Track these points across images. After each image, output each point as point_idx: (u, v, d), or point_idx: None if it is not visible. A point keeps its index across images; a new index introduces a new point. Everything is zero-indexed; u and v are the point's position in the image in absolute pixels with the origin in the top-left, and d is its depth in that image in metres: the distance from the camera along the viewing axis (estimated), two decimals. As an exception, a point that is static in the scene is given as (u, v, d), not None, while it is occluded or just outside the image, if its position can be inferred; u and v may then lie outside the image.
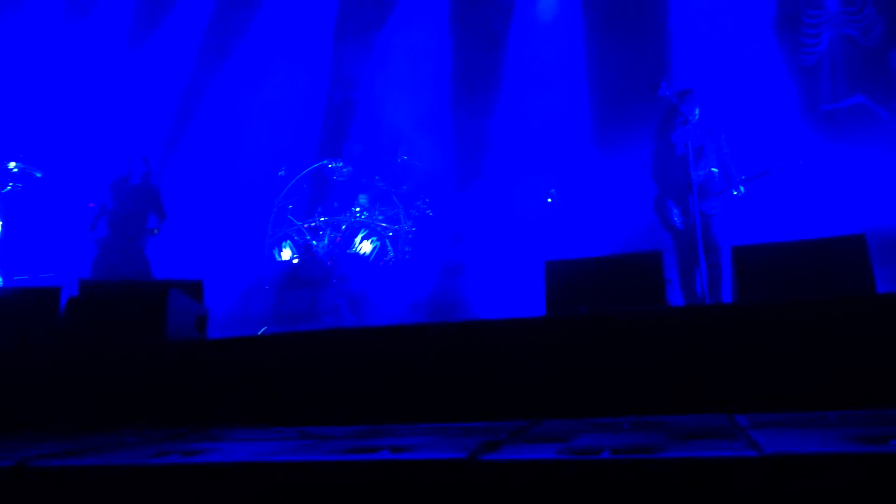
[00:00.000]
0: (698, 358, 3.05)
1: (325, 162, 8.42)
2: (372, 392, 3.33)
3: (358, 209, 8.02)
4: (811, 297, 3.20)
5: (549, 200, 7.87)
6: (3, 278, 6.35)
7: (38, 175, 6.50)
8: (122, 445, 2.40)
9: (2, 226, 6.23)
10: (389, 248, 7.85)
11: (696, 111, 5.29)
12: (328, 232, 7.91)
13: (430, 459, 1.76)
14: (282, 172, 8.46)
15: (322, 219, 8.03)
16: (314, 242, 7.87)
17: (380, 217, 8.03)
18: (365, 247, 7.77)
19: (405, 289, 7.32)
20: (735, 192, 5.28)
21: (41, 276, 7.26)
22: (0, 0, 9.05)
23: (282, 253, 8.01)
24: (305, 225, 8.06)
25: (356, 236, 7.83)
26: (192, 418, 3.18)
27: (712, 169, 5.32)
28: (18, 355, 3.54)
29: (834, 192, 6.92)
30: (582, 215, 7.69)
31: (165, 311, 3.45)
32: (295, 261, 7.84)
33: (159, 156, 8.97)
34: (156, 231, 6.92)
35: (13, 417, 3.33)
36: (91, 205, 7.10)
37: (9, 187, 6.34)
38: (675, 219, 5.31)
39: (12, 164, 6.38)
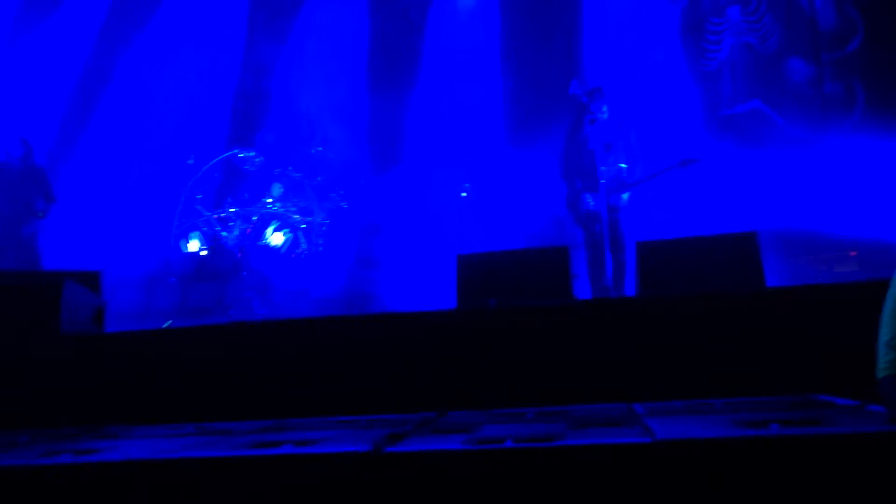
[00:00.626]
0: (601, 350, 3.15)
1: (235, 151, 8.19)
2: (279, 386, 3.28)
3: (270, 200, 7.84)
4: (706, 290, 3.35)
5: (464, 195, 7.93)
6: None
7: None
8: (12, 445, 2.28)
9: None
10: (302, 240, 7.72)
11: (605, 109, 5.45)
12: (238, 223, 7.70)
13: (334, 452, 1.75)
14: (191, 161, 8.17)
15: (232, 209, 7.81)
16: (223, 234, 7.65)
17: (293, 209, 7.88)
18: (277, 239, 7.61)
19: (318, 282, 7.23)
20: (622, 199, 5.44)
21: None
22: None
23: (189, 244, 7.74)
24: (214, 216, 7.82)
25: (268, 228, 7.66)
26: (88, 416, 3.04)
27: (620, 165, 5.49)
28: None
29: (731, 191, 7.28)
30: (495, 210, 7.79)
31: (59, 303, 3.28)
32: (203, 252, 7.60)
33: (62, 142, 8.54)
34: (41, 214, 6.60)
35: None
36: None
37: None
38: (587, 214, 5.46)
39: None
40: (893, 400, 1.81)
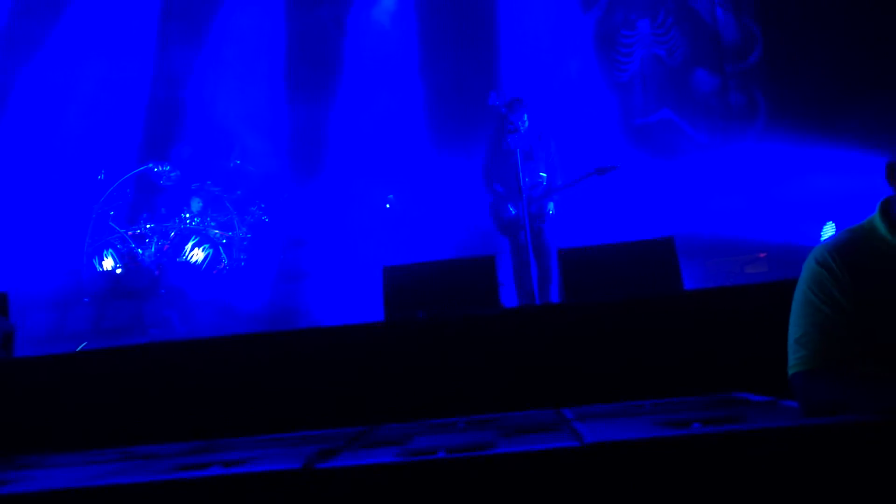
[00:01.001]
0: (529, 356, 3.21)
1: (150, 165, 7.94)
2: (205, 407, 3.19)
3: (188, 215, 7.63)
4: (627, 295, 3.46)
5: (388, 206, 7.92)
6: None
7: None
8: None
9: None
10: (223, 255, 7.54)
11: (525, 118, 5.55)
12: (155, 239, 7.46)
13: (263, 472, 1.72)
14: (101, 176, 7.87)
15: (148, 226, 7.56)
16: (139, 251, 7.40)
17: (212, 223, 7.69)
18: (196, 255, 7.42)
19: (241, 298, 7.07)
20: (548, 210, 5.56)
21: None
22: None
23: (103, 262, 7.45)
24: (129, 232, 7.55)
25: (187, 244, 7.46)
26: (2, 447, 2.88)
27: (541, 174, 5.60)
28: None
29: (647, 197, 7.54)
30: (420, 220, 7.82)
31: (-38, 329, 3.10)
32: (118, 270, 7.32)
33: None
34: None
35: None
36: None
37: None
38: (510, 222, 5.54)
39: None
40: (804, 395, 1.90)
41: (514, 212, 5.46)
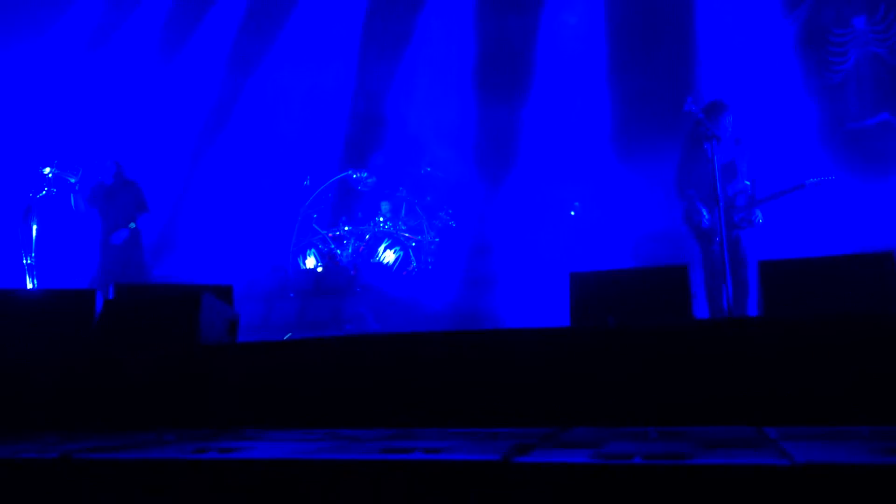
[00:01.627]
0: (724, 371, 3.06)
1: (349, 172, 8.52)
2: (397, 398, 3.37)
3: (381, 219, 8.10)
4: (839, 311, 3.20)
5: (573, 213, 7.89)
6: (38, 280, 6.49)
7: (73, 180, 6.65)
8: (161, 443, 2.47)
9: (36, 229, 6.38)
10: (412, 258, 7.90)
11: (726, 124, 5.31)
12: (352, 241, 7.99)
13: (465, 460, 1.80)
14: (307, 182, 8.56)
15: (346, 228, 8.12)
16: (338, 251, 7.95)
17: (403, 227, 8.10)
18: (388, 256, 7.84)
19: (428, 299, 7.37)
20: (756, 220, 5.28)
21: (73, 280, 7.43)
22: (44, 9, 9.30)
23: (306, 261, 8.10)
24: (330, 234, 8.15)
25: (380, 245, 7.91)
26: (223, 421, 3.24)
27: (745, 182, 5.33)
28: (54, 356, 3.62)
29: (861, 208, 6.89)
30: (606, 228, 7.71)
31: (198, 315, 3.52)
32: (319, 269, 7.93)
33: (189, 164, 9.15)
34: (132, 225, 6.92)
35: (49, 417, 3.41)
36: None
37: (43, 192, 6.50)
38: (705, 230, 5.31)
39: (47, 170, 6.55)
40: None
41: (708, 219, 5.23)
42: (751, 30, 8.02)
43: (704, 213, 5.29)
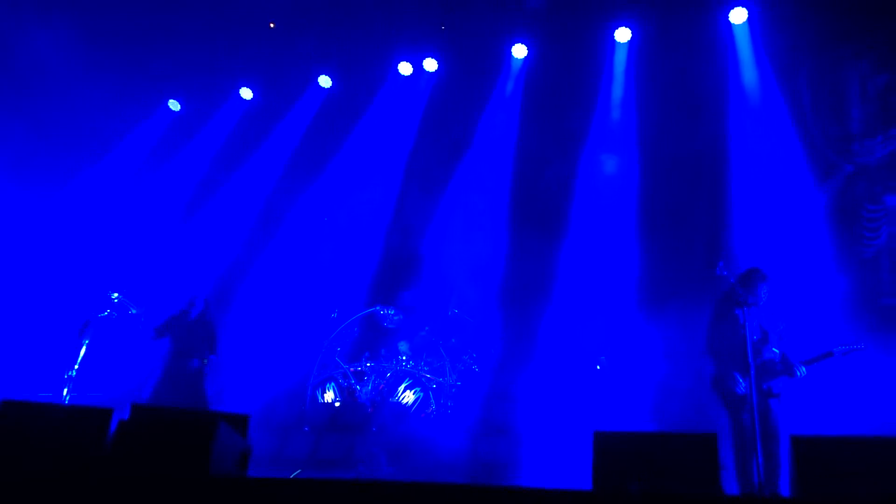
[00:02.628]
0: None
1: (377, 307, 8.57)
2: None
3: (404, 358, 8.03)
4: (879, 496, 3.02)
5: (598, 367, 7.77)
6: (74, 395, 6.60)
7: (133, 311, 7.02)
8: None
9: (87, 346, 6.65)
10: (432, 400, 7.76)
11: (761, 292, 5.30)
12: (373, 378, 7.90)
13: None
14: (335, 314, 8.61)
15: (368, 364, 8.06)
16: (357, 387, 7.85)
17: (425, 368, 8.01)
18: (408, 396, 7.71)
19: (445, 443, 7.15)
20: (798, 374, 5.16)
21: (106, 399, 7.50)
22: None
23: (325, 395, 7.99)
24: (351, 369, 8.09)
25: (400, 385, 7.80)
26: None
27: (773, 349, 5.23)
28: (64, 472, 3.54)
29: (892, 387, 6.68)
30: (630, 384, 7.55)
31: (212, 444, 3.44)
32: (337, 404, 7.80)
33: (224, 287, 9.34)
34: (205, 362, 7.37)
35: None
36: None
37: (105, 313, 6.84)
38: (736, 398, 5.15)
39: (115, 295, 7.00)
40: None
41: (742, 387, 5.10)
42: (783, 197, 8.17)
43: (739, 378, 5.16)
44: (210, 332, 7.56)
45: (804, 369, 5.23)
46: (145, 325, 7.26)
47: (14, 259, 8.79)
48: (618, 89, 9.25)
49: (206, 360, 7.32)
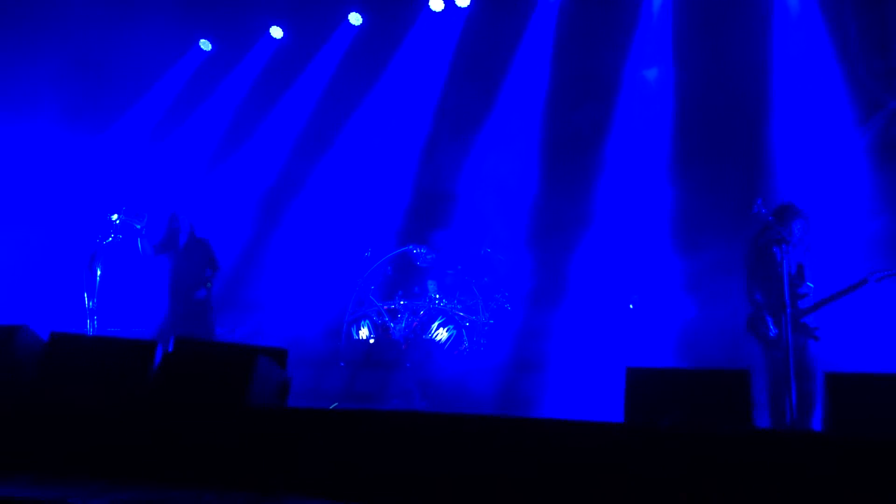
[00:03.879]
0: (784, 487, 2.91)
1: (410, 247, 8.64)
2: (439, 479, 3.31)
3: (437, 296, 8.13)
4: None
5: (631, 306, 7.77)
6: (97, 325, 6.70)
7: (139, 226, 6.87)
8: (203, 501, 2.46)
9: (100, 274, 6.62)
10: (465, 337, 7.87)
11: (796, 229, 5.21)
12: (406, 315, 8.02)
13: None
14: (368, 253, 8.71)
15: (402, 302, 8.17)
16: (391, 324, 7.99)
17: (458, 306, 8.11)
18: (441, 334, 7.82)
19: (477, 380, 7.28)
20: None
21: (131, 326, 7.66)
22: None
23: (360, 331, 8.15)
24: (385, 307, 8.21)
25: (433, 323, 7.91)
26: (265, 483, 3.22)
27: (809, 284, 5.18)
28: (108, 403, 3.70)
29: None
30: (663, 323, 7.55)
31: (251, 376, 3.56)
32: (371, 341, 7.96)
33: (256, 225, 9.45)
34: (209, 286, 7.10)
35: (97, 460, 3.46)
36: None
37: (110, 238, 6.74)
38: (772, 336, 5.14)
39: (115, 216, 6.79)
40: None
41: (775, 330, 5.07)
42: (824, 133, 7.93)
43: (770, 323, 5.13)
44: (206, 250, 7.21)
45: (811, 285, 5.13)
46: (152, 237, 7.00)
47: (45, 198, 8.84)
48: (654, 20, 8.98)
49: (209, 284, 7.04)
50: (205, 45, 10.40)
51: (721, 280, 7.14)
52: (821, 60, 8.11)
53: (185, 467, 3.34)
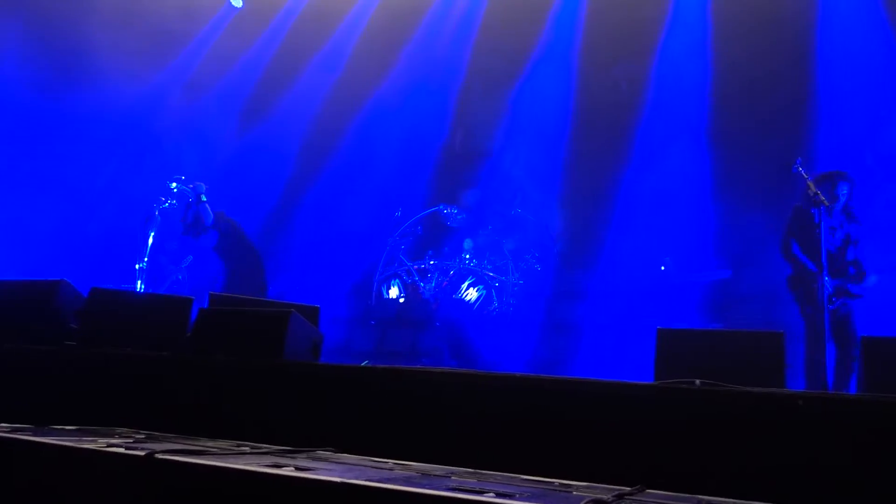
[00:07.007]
0: (812, 449, 2.90)
1: (440, 207, 8.62)
2: (468, 437, 3.34)
3: (467, 256, 8.13)
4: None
5: (663, 268, 7.71)
6: (146, 285, 6.89)
7: (191, 199, 7.03)
8: (239, 453, 2.53)
9: (153, 237, 6.82)
10: (494, 298, 7.88)
11: (841, 193, 5.10)
12: (436, 275, 8.05)
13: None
14: (398, 213, 8.72)
15: (432, 262, 8.19)
16: (421, 284, 8.02)
17: (488, 266, 8.11)
18: (471, 294, 7.85)
19: (507, 340, 7.32)
20: (867, 281, 5.02)
21: (176, 287, 7.83)
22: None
23: (390, 291, 8.21)
24: (415, 266, 8.24)
25: (463, 283, 7.93)
26: (298, 437, 3.29)
27: (855, 252, 5.08)
28: (147, 356, 3.79)
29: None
30: (696, 285, 7.48)
31: (286, 332, 3.61)
32: (401, 300, 8.01)
33: (288, 187, 9.50)
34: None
35: (133, 413, 3.56)
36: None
37: (166, 204, 6.95)
38: (810, 299, 5.06)
39: (174, 184, 7.02)
40: None
41: (819, 290, 5.00)
42: (868, 97, 7.68)
43: (813, 283, 5.06)
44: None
45: (874, 278, 5.07)
46: (202, 210, 7.03)
47: (79, 157, 8.94)
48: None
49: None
50: (236, 1, 10.34)
51: (757, 243, 7.04)
52: (869, 16, 7.80)
53: (222, 421, 3.43)
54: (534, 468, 3.01)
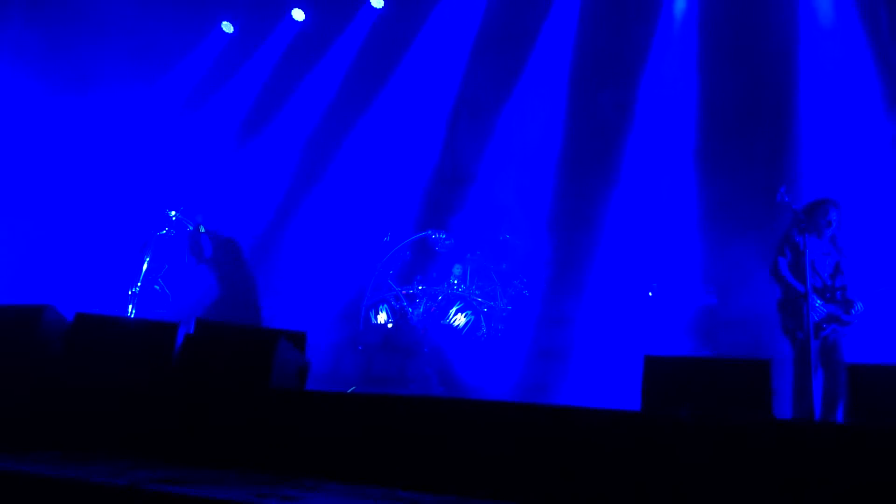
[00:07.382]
0: (805, 479, 2.90)
1: (429, 232, 8.63)
2: (456, 464, 3.32)
3: (455, 281, 8.12)
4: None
5: (650, 294, 7.73)
6: (138, 311, 6.86)
7: (190, 228, 7.05)
8: (224, 482, 2.50)
9: (148, 263, 6.83)
10: (483, 323, 7.87)
11: (829, 221, 5.15)
12: (424, 300, 8.03)
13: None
14: (387, 238, 8.72)
15: (420, 287, 8.18)
16: (410, 309, 8.00)
17: (476, 291, 8.10)
18: (459, 319, 7.83)
19: (495, 365, 7.29)
20: (853, 310, 5.05)
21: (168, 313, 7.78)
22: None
23: (378, 316, 8.18)
24: (403, 291, 8.23)
25: (451, 308, 7.91)
26: (284, 465, 3.26)
27: (843, 279, 5.12)
28: (132, 383, 3.75)
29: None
30: (683, 311, 7.50)
31: (272, 358, 3.58)
32: (389, 325, 7.98)
33: (276, 212, 9.50)
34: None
35: (121, 439, 3.51)
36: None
37: (164, 231, 6.96)
38: (797, 325, 5.09)
39: (173, 213, 7.03)
40: None
41: (807, 317, 5.03)
42: (852, 122, 7.79)
43: (804, 309, 5.08)
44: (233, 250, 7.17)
45: (861, 305, 5.10)
46: (202, 240, 7.01)
47: (72, 177, 8.94)
48: (680, 3, 8.85)
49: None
50: (227, 27, 10.41)
51: (743, 270, 7.08)
52: (851, 47, 7.95)
53: (207, 448, 3.39)
54: (522, 496, 3.00)
